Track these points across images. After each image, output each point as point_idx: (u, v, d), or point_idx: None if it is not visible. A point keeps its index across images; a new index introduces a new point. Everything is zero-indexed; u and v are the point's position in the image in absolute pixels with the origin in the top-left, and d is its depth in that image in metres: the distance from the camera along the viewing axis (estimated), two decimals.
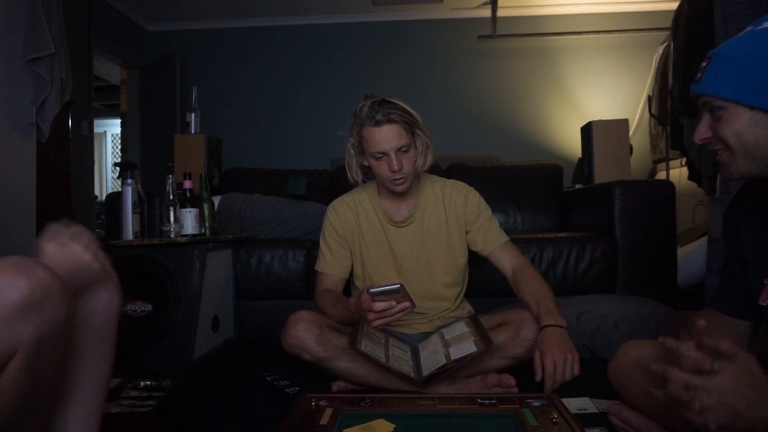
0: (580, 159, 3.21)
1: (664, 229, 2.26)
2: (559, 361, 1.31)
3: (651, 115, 4.11)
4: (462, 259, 1.69)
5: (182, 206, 2.01)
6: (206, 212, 2.14)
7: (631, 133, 3.61)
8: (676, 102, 2.92)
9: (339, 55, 4.92)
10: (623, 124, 2.97)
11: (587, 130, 3.00)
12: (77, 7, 3.90)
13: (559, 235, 2.34)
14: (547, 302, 1.46)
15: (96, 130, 5.18)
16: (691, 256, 2.89)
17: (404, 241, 1.66)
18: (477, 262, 1.82)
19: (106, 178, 8.09)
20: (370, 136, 1.51)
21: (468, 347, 1.38)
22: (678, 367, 0.82)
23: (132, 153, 4.87)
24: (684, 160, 3.38)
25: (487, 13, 4.60)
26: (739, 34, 0.94)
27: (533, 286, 1.53)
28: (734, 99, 0.89)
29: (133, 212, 1.96)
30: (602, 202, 2.34)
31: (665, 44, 3.88)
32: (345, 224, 1.69)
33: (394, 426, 1.14)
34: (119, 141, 6.34)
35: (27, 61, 2.51)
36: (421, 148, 1.59)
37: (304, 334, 1.48)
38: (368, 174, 1.66)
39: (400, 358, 1.46)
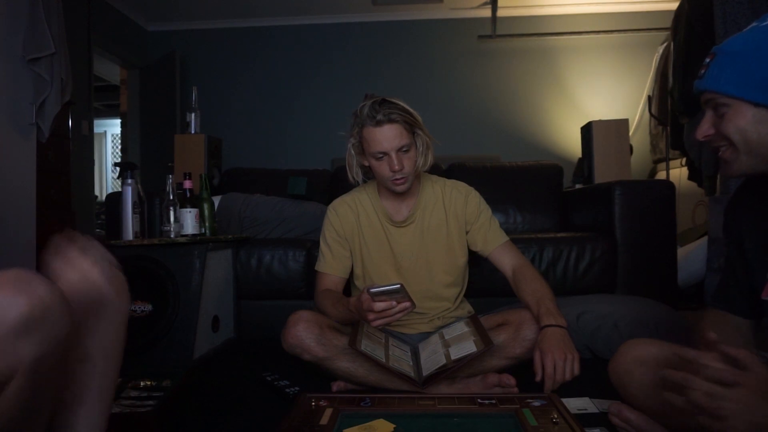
0: (580, 159, 3.21)
1: (664, 229, 2.26)
2: (559, 361, 1.31)
3: (651, 115, 4.11)
4: (462, 259, 1.69)
5: (182, 206, 2.01)
6: (206, 212, 2.14)
7: (631, 133, 3.61)
8: (676, 102, 2.92)
9: (339, 55, 4.92)
10: (623, 124, 2.97)
11: (587, 130, 3.00)
12: (77, 7, 3.90)
13: (559, 235, 2.34)
14: (547, 302, 1.46)
15: (96, 130, 5.18)
16: (691, 256, 2.89)
17: (404, 241, 1.66)
18: (477, 262, 1.82)
19: (106, 178, 8.09)
20: (370, 136, 1.51)
21: (468, 347, 1.38)
22: (694, 375, 0.82)
23: (132, 153, 4.87)
24: (684, 160, 3.38)
25: (487, 13, 4.60)
26: (743, 30, 0.93)
27: (533, 286, 1.53)
28: (738, 96, 0.88)
29: (133, 212, 1.96)
30: (602, 202, 2.34)
31: (665, 44, 3.88)
32: (345, 224, 1.69)
33: (394, 426, 1.14)
34: (119, 141, 6.34)
35: (27, 61, 2.50)
36: (421, 148, 1.59)
37: (304, 334, 1.48)
38: (368, 174, 1.66)
39: (400, 358, 1.46)
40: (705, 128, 0.95)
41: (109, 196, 2.52)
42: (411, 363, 1.47)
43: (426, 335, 1.66)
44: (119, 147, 6.25)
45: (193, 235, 2.01)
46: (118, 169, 3.20)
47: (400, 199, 1.67)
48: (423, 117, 1.57)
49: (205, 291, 1.97)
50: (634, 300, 2.03)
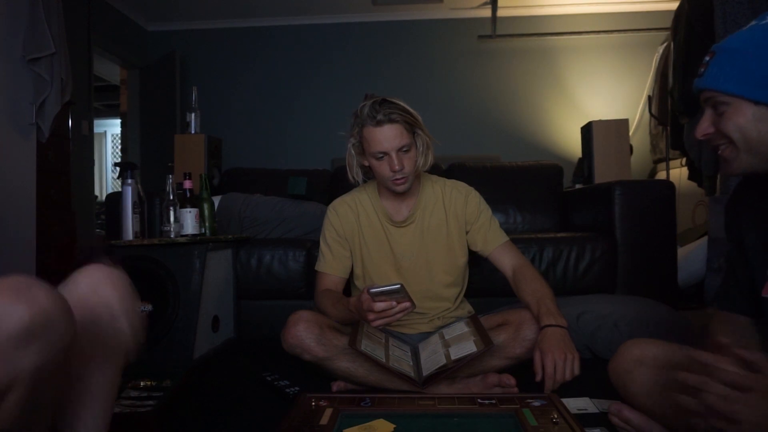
0: (580, 159, 3.21)
1: (664, 229, 2.26)
2: (559, 361, 1.31)
3: (651, 115, 4.11)
4: (462, 259, 1.69)
5: (182, 206, 2.01)
6: (206, 212, 2.14)
7: (631, 133, 3.61)
8: (676, 102, 2.92)
9: (339, 55, 4.92)
10: (623, 124, 2.97)
11: (587, 130, 3.00)
12: (77, 7, 3.90)
13: (559, 235, 2.34)
14: (548, 302, 1.46)
15: (96, 130, 5.18)
16: (691, 256, 2.89)
17: (404, 241, 1.66)
18: (477, 262, 1.82)
19: (106, 178, 8.09)
20: (371, 136, 1.51)
21: (468, 347, 1.38)
22: (708, 378, 0.81)
23: (132, 153, 4.87)
24: (684, 160, 3.38)
25: (487, 13, 4.60)
26: (743, 28, 0.93)
27: (533, 286, 1.53)
28: (738, 94, 0.88)
29: (133, 212, 1.96)
30: (602, 202, 2.34)
31: (665, 44, 3.88)
32: (345, 224, 1.69)
33: (394, 426, 1.14)
34: (119, 141, 6.34)
35: (27, 61, 2.50)
36: (421, 148, 1.59)
37: (304, 334, 1.48)
38: (369, 174, 1.66)
39: (400, 358, 1.46)
40: (704, 126, 0.95)
41: (109, 196, 2.52)
42: (411, 363, 1.47)
43: (426, 335, 1.66)
44: (119, 147, 6.25)
45: (193, 235, 2.01)
46: (118, 169, 3.20)
47: (400, 199, 1.67)
48: (423, 117, 1.57)
49: (205, 291, 1.97)
50: (634, 300, 2.03)
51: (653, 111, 4.00)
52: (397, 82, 4.77)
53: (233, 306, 2.26)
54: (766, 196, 0.99)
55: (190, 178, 2.07)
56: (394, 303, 1.29)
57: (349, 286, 1.75)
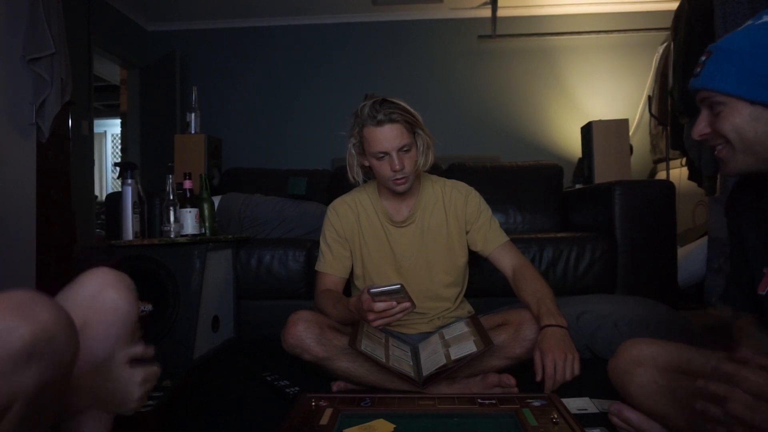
0: (580, 159, 3.21)
1: (664, 229, 2.26)
2: (559, 361, 1.31)
3: (651, 115, 4.11)
4: (462, 259, 1.69)
5: (182, 206, 2.01)
6: (206, 212, 2.14)
7: (631, 133, 3.61)
8: (676, 102, 2.92)
9: (339, 55, 4.92)
10: (623, 124, 2.97)
11: (587, 130, 3.00)
12: (77, 7, 3.90)
13: (559, 235, 2.34)
14: (548, 302, 1.46)
15: (96, 130, 5.18)
16: (691, 256, 2.89)
17: (404, 241, 1.66)
18: (477, 262, 1.82)
19: (106, 178, 8.09)
20: (371, 135, 1.51)
21: (468, 347, 1.38)
22: (732, 386, 0.81)
23: (132, 153, 4.87)
24: (684, 160, 3.38)
25: (487, 13, 4.60)
26: (739, 28, 0.93)
27: (533, 286, 1.53)
28: (734, 93, 0.87)
29: (133, 212, 1.96)
30: (602, 202, 2.34)
31: (665, 44, 3.88)
32: (345, 224, 1.69)
33: (394, 426, 1.14)
34: (119, 141, 6.34)
35: (27, 61, 2.50)
36: (422, 148, 1.59)
37: (304, 334, 1.48)
38: (369, 174, 1.66)
39: (400, 358, 1.46)
40: (701, 127, 0.94)
41: (109, 196, 2.52)
42: (411, 363, 1.47)
43: (426, 335, 1.66)
44: (119, 147, 6.25)
45: (193, 235, 2.01)
46: (118, 169, 3.19)
47: (400, 199, 1.67)
48: (423, 117, 1.57)
49: (205, 291, 1.97)
50: (634, 300, 2.03)
51: (653, 111, 4.00)
52: (397, 82, 4.78)
53: (233, 306, 2.26)
54: (764, 195, 0.99)
55: (190, 178, 2.07)
56: (394, 303, 1.29)
57: (349, 286, 1.75)
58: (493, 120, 4.79)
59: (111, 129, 8.13)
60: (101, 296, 0.86)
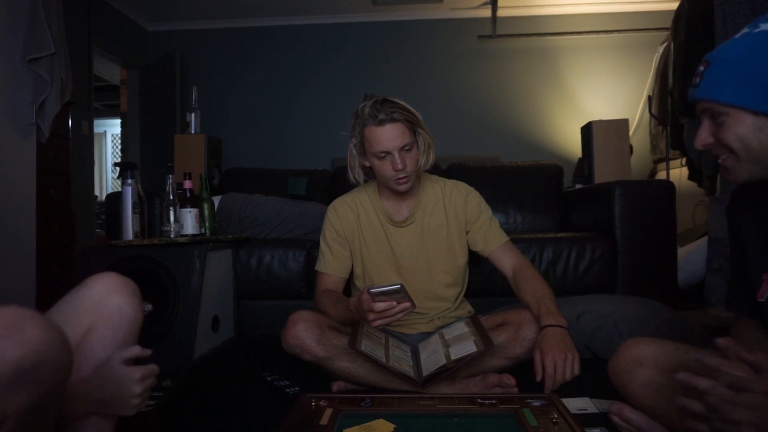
0: (580, 159, 3.21)
1: (664, 229, 2.26)
2: (559, 361, 1.31)
3: (651, 115, 4.11)
4: (462, 259, 1.69)
5: (182, 206, 2.01)
6: (206, 212, 2.14)
7: (631, 133, 3.61)
8: (676, 102, 2.92)
9: (339, 55, 4.92)
10: (623, 124, 2.97)
11: (587, 130, 3.00)
12: (77, 7, 3.90)
13: (559, 235, 2.34)
14: (548, 302, 1.46)
15: (96, 130, 5.18)
16: (691, 256, 2.89)
17: (404, 241, 1.66)
18: (477, 262, 1.82)
19: (106, 178, 8.09)
20: (372, 135, 1.51)
21: (468, 347, 1.38)
22: (711, 380, 0.81)
23: (132, 153, 4.87)
24: (684, 160, 3.38)
25: (487, 13, 4.60)
26: (736, 36, 0.92)
27: (533, 286, 1.53)
28: (737, 104, 0.87)
29: (133, 212, 1.96)
30: (602, 202, 2.34)
31: (665, 44, 3.88)
32: (345, 224, 1.69)
33: (394, 426, 1.14)
34: (119, 141, 6.34)
35: (27, 61, 2.50)
36: (422, 147, 1.59)
37: (304, 334, 1.48)
38: (369, 174, 1.66)
39: (400, 358, 1.46)
40: (704, 137, 0.94)
41: (109, 196, 2.52)
42: (411, 363, 1.47)
43: (426, 335, 1.66)
44: (119, 147, 6.25)
45: (193, 235, 2.01)
46: (118, 169, 3.19)
47: (401, 199, 1.67)
48: (423, 117, 1.57)
49: (205, 291, 1.97)
50: (634, 300, 2.03)
51: (653, 111, 4.00)
52: (397, 82, 4.78)
53: (233, 306, 2.26)
54: (764, 200, 0.99)
55: (190, 178, 2.07)
56: (394, 303, 1.29)
57: (349, 286, 1.75)
58: (493, 120, 4.79)
59: (111, 129, 8.13)
60: (107, 301, 0.87)
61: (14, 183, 2.51)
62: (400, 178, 1.54)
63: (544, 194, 2.83)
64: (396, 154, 1.50)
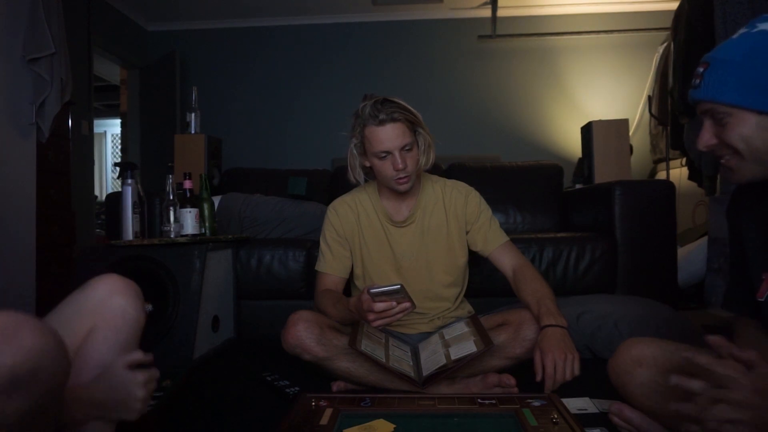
0: (580, 159, 3.21)
1: (664, 229, 2.26)
2: (559, 361, 1.31)
3: (651, 115, 4.12)
4: (462, 259, 1.69)
5: (182, 206, 2.01)
6: (206, 212, 2.14)
7: (631, 133, 3.61)
8: (676, 102, 2.92)
9: (339, 55, 4.92)
10: (623, 124, 2.97)
11: (587, 130, 3.00)
12: (77, 7, 3.90)
13: (559, 235, 2.34)
14: (548, 302, 1.46)
15: (96, 130, 5.18)
16: (691, 256, 2.89)
17: (404, 241, 1.66)
18: (477, 262, 1.82)
19: (106, 178, 8.09)
20: (373, 135, 1.51)
21: (468, 347, 1.38)
22: (700, 379, 0.81)
23: (132, 153, 4.87)
24: (684, 160, 3.38)
25: (487, 13, 4.60)
26: (734, 36, 0.92)
27: (533, 286, 1.53)
28: (740, 104, 0.87)
29: (133, 212, 1.96)
30: (602, 202, 2.34)
31: (665, 44, 3.88)
32: (345, 224, 1.69)
33: (394, 426, 1.14)
34: (119, 141, 6.34)
35: (27, 61, 2.50)
36: (423, 147, 1.59)
37: (304, 334, 1.48)
38: (370, 175, 1.66)
39: (400, 358, 1.46)
40: (707, 138, 0.93)
41: (109, 196, 2.52)
42: (411, 363, 1.47)
43: (426, 335, 1.66)
44: (119, 147, 6.25)
45: (193, 235, 2.01)
46: (118, 169, 3.19)
47: (401, 199, 1.67)
48: (423, 117, 1.57)
49: (205, 291, 1.97)
50: (634, 300, 2.03)
51: (653, 111, 4.00)
52: (397, 82, 4.78)
53: (233, 306, 2.26)
54: (764, 200, 0.99)
55: (190, 178, 2.07)
56: (394, 303, 1.29)
57: (349, 286, 1.75)
58: (493, 120, 4.79)
59: (111, 129, 8.13)
60: (110, 302, 0.87)
61: (14, 183, 2.51)
62: (400, 178, 1.54)
63: (544, 194, 2.83)
64: (397, 153, 1.50)
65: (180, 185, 2.08)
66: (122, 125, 5.07)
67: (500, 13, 4.57)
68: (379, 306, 1.29)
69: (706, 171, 2.87)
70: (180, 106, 4.53)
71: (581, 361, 1.34)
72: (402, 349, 1.55)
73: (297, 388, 1.52)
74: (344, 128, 1.66)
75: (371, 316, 1.30)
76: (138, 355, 0.86)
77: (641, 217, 2.25)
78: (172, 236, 1.97)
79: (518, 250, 1.67)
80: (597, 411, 1.33)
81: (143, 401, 0.84)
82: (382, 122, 1.48)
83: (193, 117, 2.93)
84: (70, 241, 3.05)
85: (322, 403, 1.26)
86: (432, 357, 1.44)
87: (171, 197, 2.00)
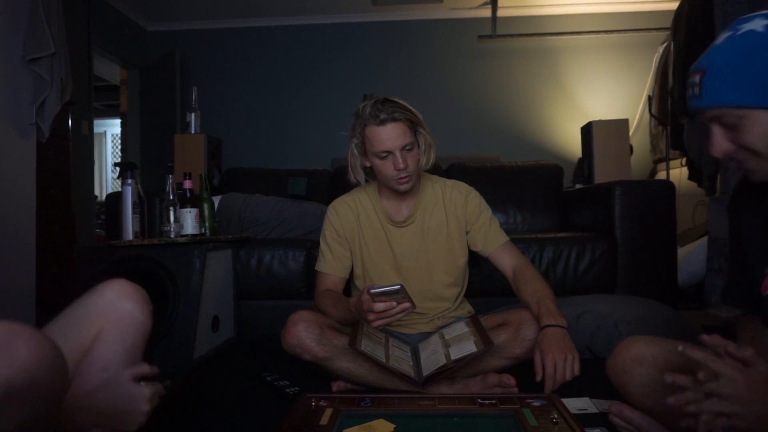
0: (580, 159, 3.21)
1: (664, 229, 2.26)
2: (559, 361, 1.31)
3: (651, 115, 4.12)
4: (462, 259, 1.69)
5: (182, 206, 2.01)
6: (206, 212, 2.14)
7: (631, 133, 3.61)
8: (676, 102, 2.92)
9: (339, 55, 4.92)
10: (623, 124, 2.97)
11: (587, 130, 3.00)
12: (77, 7, 3.90)
13: (559, 235, 2.34)
14: (548, 302, 1.46)
15: (96, 130, 5.18)
16: (691, 256, 2.89)
17: (404, 241, 1.66)
18: (477, 262, 1.82)
19: (106, 178, 8.09)
20: (374, 135, 1.50)
21: (468, 347, 1.38)
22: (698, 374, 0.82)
23: (132, 153, 4.87)
24: (684, 160, 3.39)
25: (487, 13, 4.61)
26: (718, 42, 0.90)
27: (533, 286, 1.53)
28: (753, 105, 0.86)
29: (133, 212, 1.96)
30: (602, 202, 2.34)
31: (665, 44, 3.88)
32: (345, 224, 1.69)
33: (394, 426, 1.14)
34: (119, 141, 6.34)
35: (27, 61, 2.50)
36: (423, 147, 1.59)
37: (304, 334, 1.48)
38: (371, 175, 1.66)
39: (400, 358, 1.46)
40: (723, 145, 0.91)
41: (109, 196, 2.52)
42: (411, 363, 1.47)
43: (426, 335, 1.66)
44: (119, 147, 6.25)
45: (193, 235, 2.01)
46: (118, 169, 3.19)
47: (401, 199, 1.67)
48: (423, 117, 1.57)
49: (205, 291, 1.97)
50: (634, 300, 2.03)
51: (653, 111, 4.00)
52: (397, 82, 4.78)
53: (233, 306, 2.26)
54: (764, 199, 0.99)
55: (190, 178, 2.07)
56: (394, 303, 1.29)
57: (349, 286, 1.75)
58: (493, 120, 4.79)
59: (111, 129, 8.14)
60: (118, 306, 0.88)
61: (14, 183, 2.51)
62: (401, 178, 1.54)
63: (544, 194, 2.83)
64: (397, 153, 1.50)
65: (180, 185, 2.08)
66: (122, 125, 5.07)
67: (500, 13, 4.58)
68: (379, 306, 1.29)
69: (706, 171, 2.88)
70: (180, 106, 4.54)
71: (581, 361, 1.34)
72: (402, 349, 1.55)
73: (297, 388, 1.52)
74: (344, 128, 1.66)
75: (371, 316, 1.30)
76: (145, 368, 0.86)
77: (641, 217, 2.25)
78: (172, 236, 1.97)
79: (518, 250, 1.67)
80: (597, 411, 1.33)
81: (146, 415, 0.84)
82: (382, 122, 1.48)
83: (193, 117, 2.94)
84: (70, 241, 3.05)
85: (322, 403, 1.27)
86: (432, 357, 1.44)
87: (171, 197, 2.00)
